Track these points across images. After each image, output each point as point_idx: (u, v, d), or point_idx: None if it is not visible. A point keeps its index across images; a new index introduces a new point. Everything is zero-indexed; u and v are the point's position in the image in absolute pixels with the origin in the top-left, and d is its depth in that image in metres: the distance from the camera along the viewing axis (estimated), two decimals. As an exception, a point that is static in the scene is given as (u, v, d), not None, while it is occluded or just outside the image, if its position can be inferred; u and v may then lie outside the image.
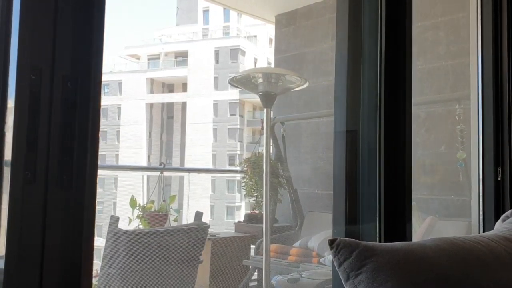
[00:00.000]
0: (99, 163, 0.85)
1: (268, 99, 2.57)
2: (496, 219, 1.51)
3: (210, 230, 3.33)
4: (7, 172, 0.77)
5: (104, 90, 23.79)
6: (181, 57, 24.66)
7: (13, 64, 0.78)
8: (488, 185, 1.87)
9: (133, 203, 3.33)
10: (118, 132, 24.18)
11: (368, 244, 0.97)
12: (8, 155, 0.78)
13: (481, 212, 1.88)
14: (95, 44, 0.84)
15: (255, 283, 3.91)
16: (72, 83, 0.82)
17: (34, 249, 0.78)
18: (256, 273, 3.88)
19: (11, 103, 0.78)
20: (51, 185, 0.79)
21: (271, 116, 3.94)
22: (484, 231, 1.84)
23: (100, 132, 0.85)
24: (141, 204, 3.40)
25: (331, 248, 0.96)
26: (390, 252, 0.95)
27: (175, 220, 3.62)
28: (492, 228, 1.38)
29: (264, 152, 2.60)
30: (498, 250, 1.07)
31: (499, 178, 1.86)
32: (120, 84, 24.64)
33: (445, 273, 0.96)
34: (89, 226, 0.83)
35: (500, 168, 1.86)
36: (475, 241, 1.08)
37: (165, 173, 4.10)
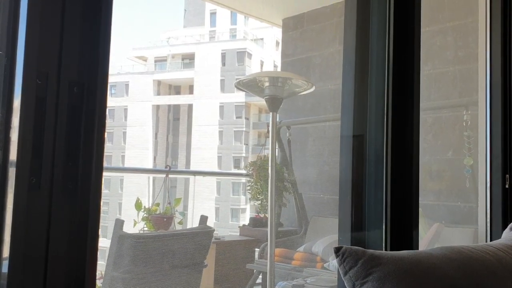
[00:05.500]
0: (105, 164, 0.85)
1: (274, 103, 2.56)
2: (504, 227, 1.49)
3: (214, 233, 3.32)
4: (12, 173, 0.77)
5: (111, 91, 23.90)
6: (188, 59, 24.74)
7: (19, 69, 0.77)
8: (495, 193, 1.85)
9: (138, 205, 3.33)
10: (124, 133, 24.29)
11: (374, 252, 0.96)
12: (13, 159, 0.77)
13: (488, 220, 1.86)
14: (102, 49, 0.84)
15: (259, 287, 3.89)
16: (78, 88, 0.81)
17: (39, 254, 0.78)
18: (260, 277, 3.87)
19: (17, 108, 0.78)
20: (56, 191, 0.79)
21: (277, 119, 3.93)
22: (491, 239, 1.82)
23: (106, 134, 0.84)
24: (147, 207, 3.41)
25: (337, 256, 0.95)
26: (396, 261, 0.94)
27: (180, 223, 3.62)
28: (500, 236, 1.37)
29: (269, 156, 2.59)
30: (506, 260, 1.06)
31: (507, 186, 1.84)
32: (127, 85, 24.75)
33: (453, 283, 0.94)
34: (93, 231, 0.82)
35: (508, 175, 1.84)
36: (483, 250, 1.06)
37: (171, 175, 4.10)
